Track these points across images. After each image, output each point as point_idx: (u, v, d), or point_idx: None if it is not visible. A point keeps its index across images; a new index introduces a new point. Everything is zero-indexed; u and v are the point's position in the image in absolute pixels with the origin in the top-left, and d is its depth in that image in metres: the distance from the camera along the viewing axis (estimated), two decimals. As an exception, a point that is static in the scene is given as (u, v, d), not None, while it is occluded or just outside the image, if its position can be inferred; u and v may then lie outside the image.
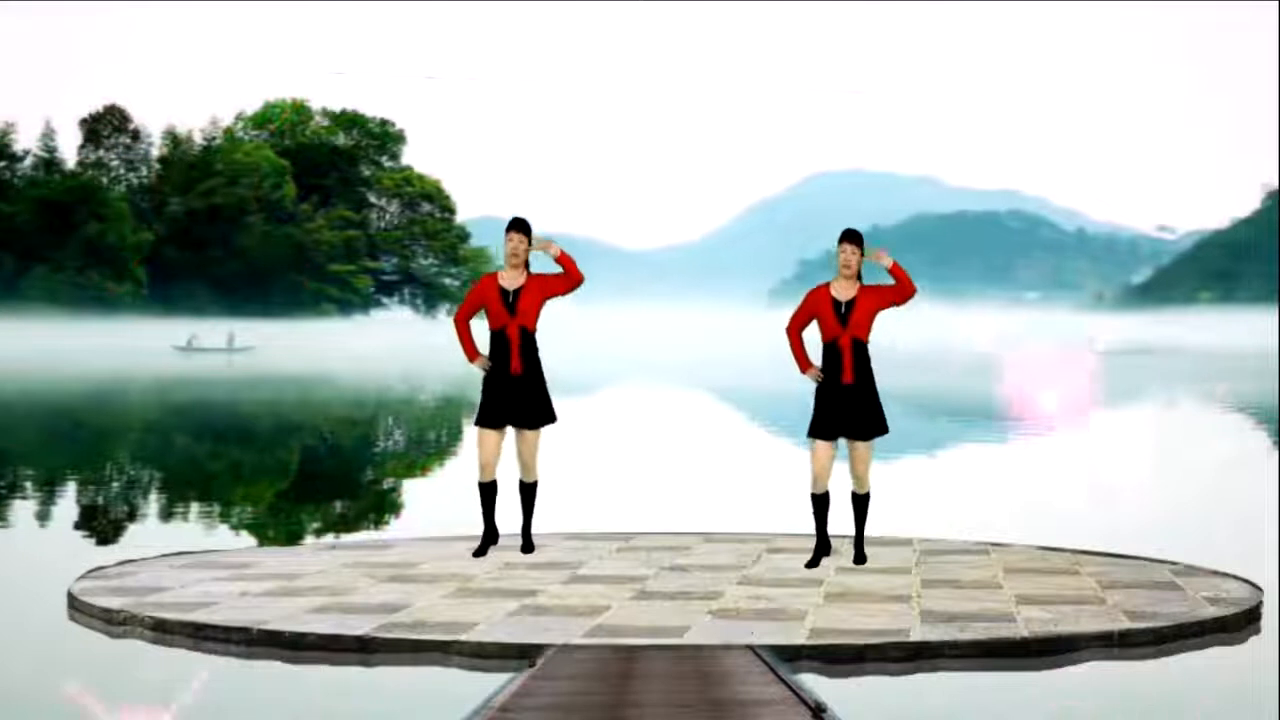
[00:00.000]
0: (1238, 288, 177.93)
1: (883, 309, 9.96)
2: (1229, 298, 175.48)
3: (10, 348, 77.26)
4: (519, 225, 10.33)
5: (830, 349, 9.95)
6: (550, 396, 10.37)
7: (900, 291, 9.97)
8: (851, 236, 10.03)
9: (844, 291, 9.94)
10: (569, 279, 10.27)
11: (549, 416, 10.31)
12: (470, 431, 10.62)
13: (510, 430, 10.35)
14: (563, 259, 10.22)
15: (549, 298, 10.25)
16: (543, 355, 10.50)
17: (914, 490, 17.17)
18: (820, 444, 9.96)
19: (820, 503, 10.11)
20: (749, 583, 9.58)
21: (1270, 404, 35.73)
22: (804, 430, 10.34)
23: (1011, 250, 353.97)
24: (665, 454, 22.38)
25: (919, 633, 7.91)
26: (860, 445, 10.01)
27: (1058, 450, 23.56)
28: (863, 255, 10.01)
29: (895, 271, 9.90)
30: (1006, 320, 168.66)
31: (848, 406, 9.91)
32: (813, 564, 10.05)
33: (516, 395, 10.17)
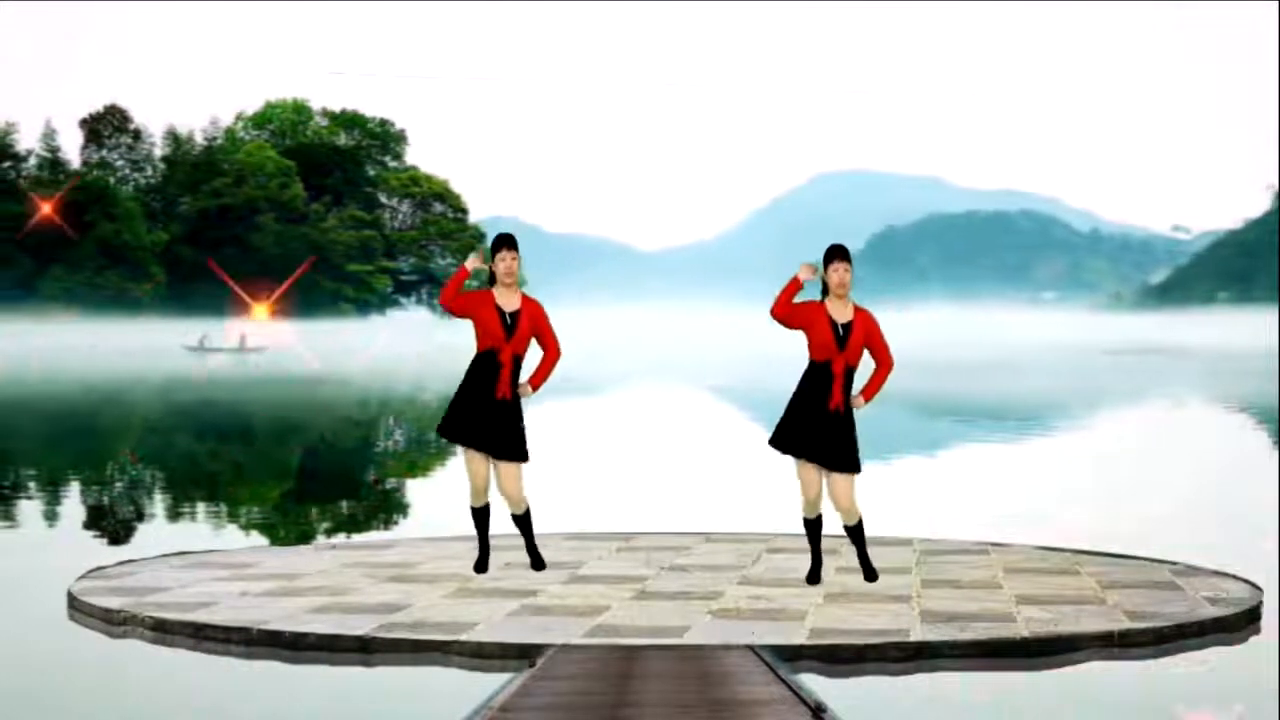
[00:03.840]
0: (1255, 287, 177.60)
1: (867, 347, 9.44)
2: (1246, 297, 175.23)
3: (26, 348, 77.37)
4: (511, 243, 9.71)
5: (821, 371, 9.36)
6: (525, 431, 9.66)
7: (882, 364, 9.53)
8: (844, 254, 9.46)
9: (841, 313, 9.38)
10: (551, 355, 9.79)
11: (522, 454, 9.59)
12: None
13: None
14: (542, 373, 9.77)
15: (535, 334, 9.66)
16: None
17: (914, 490, 17.18)
18: (806, 468, 9.42)
19: (813, 527, 9.65)
20: (749, 583, 9.58)
21: (1271, 404, 35.72)
22: None
23: (1026, 250, 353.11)
24: (666, 454, 22.39)
25: (919, 633, 7.91)
26: (838, 477, 9.42)
27: (1058, 450, 23.54)
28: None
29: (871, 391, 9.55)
30: (1025, 320, 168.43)
31: (827, 434, 9.33)
32: (813, 579, 9.64)
33: (494, 422, 9.50)
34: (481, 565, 10.00)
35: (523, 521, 9.93)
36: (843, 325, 9.38)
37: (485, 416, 9.54)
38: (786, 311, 9.42)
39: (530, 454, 9.70)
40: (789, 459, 9.59)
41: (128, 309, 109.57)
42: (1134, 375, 55.07)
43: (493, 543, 10.16)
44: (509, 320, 9.54)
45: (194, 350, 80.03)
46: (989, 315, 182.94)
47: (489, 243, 9.89)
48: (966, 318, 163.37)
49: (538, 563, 10.06)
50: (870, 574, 9.62)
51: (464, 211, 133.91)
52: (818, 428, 9.38)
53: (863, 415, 9.79)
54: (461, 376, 9.63)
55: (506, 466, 9.62)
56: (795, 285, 9.42)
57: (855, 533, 9.61)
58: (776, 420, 9.53)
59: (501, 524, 10.76)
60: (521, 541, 10.33)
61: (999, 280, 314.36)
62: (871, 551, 10.27)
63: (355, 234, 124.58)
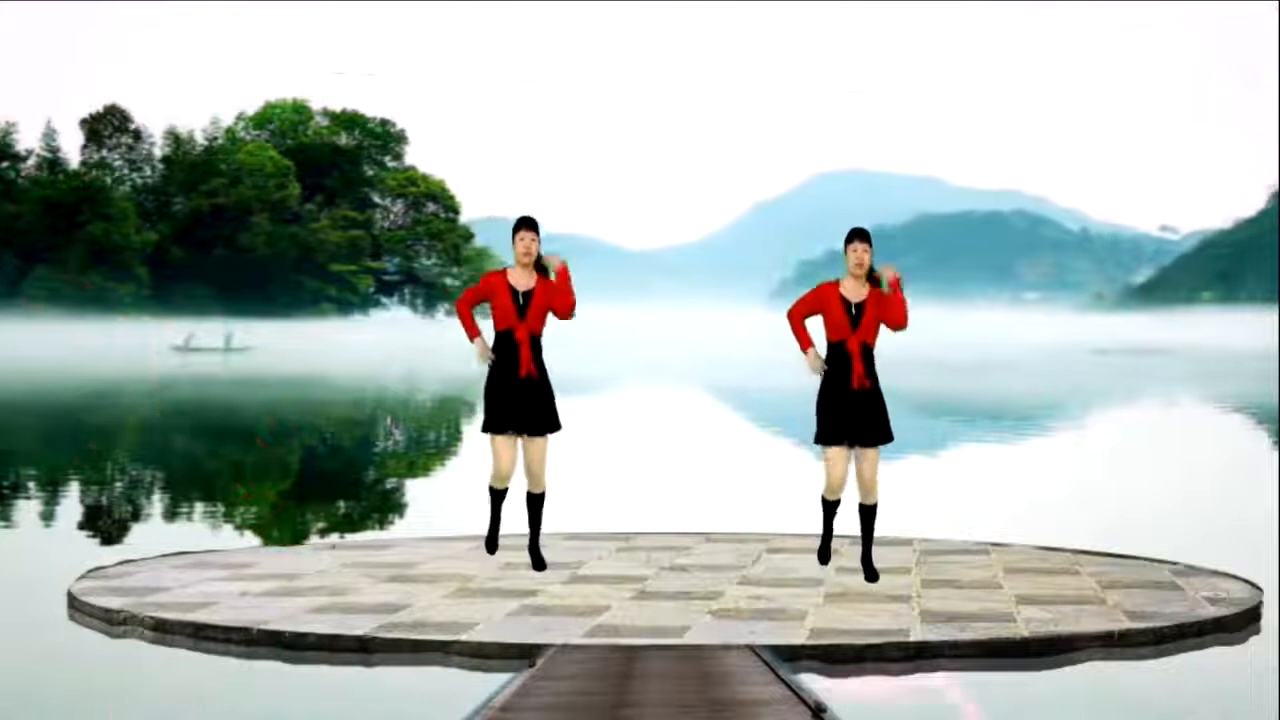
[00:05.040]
0: (1239, 288, 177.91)
1: (881, 315, 9.57)
2: (1230, 298, 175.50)
3: (11, 348, 77.31)
4: (531, 224, 9.90)
5: (838, 351, 9.56)
6: (556, 403, 9.93)
7: (893, 318, 9.61)
8: (862, 235, 9.67)
9: (855, 292, 9.56)
10: (565, 303, 9.84)
11: (555, 424, 9.85)
12: (470, 433, 10.18)
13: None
14: (563, 274, 9.81)
15: (551, 310, 9.82)
16: (546, 355, 10.32)
17: (914, 490, 17.17)
18: (833, 451, 9.57)
19: (831, 507, 9.80)
20: (749, 583, 9.58)
21: (1270, 404, 35.73)
22: (804, 430, 10.02)
23: (1015, 250, 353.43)
24: (665, 454, 22.38)
25: (919, 633, 7.91)
26: (868, 452, 9.58)
27: (1058, 450, 23.55)
28: (873, 254, 9.77)
29: (895, 289, 9.58)
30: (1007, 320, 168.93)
31: (855, 412, 9.50)
32: (824, 558, 9.81)
33: (523, 400, 9.72)
34: (492, 544, 10.08)
35: (537, 503, 10.02)
36: (856, 304, 9.53)
37: (514, 399, 9.72)
38: (800, 321, 9.71)
39: (562, 424, 9.89)
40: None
41: (110, 309, 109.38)
42: (1125, 375, 55.09)
43: (499, 545, 10.21)
44: (521, 300, 9.71)
45: (180, 350, 79.95)
46: (974, 315, 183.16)
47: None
48: (951, 317, 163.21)
49: (539, 563, 10.11)
50: (871, 574, 9.64)
51: (456, 211, 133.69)
52: (846, 410, 9.52)
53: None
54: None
55: (537, 443, 9.81)
56: (805, 340, 9.71)
57: (868, 515, 9.65)
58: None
59: (506, 525, 10.77)
60: (523, 542, 10.40)
61: (985, 281, 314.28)
62: (873, 552, 10.32)
63: (343, 234, 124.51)
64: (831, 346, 9.62)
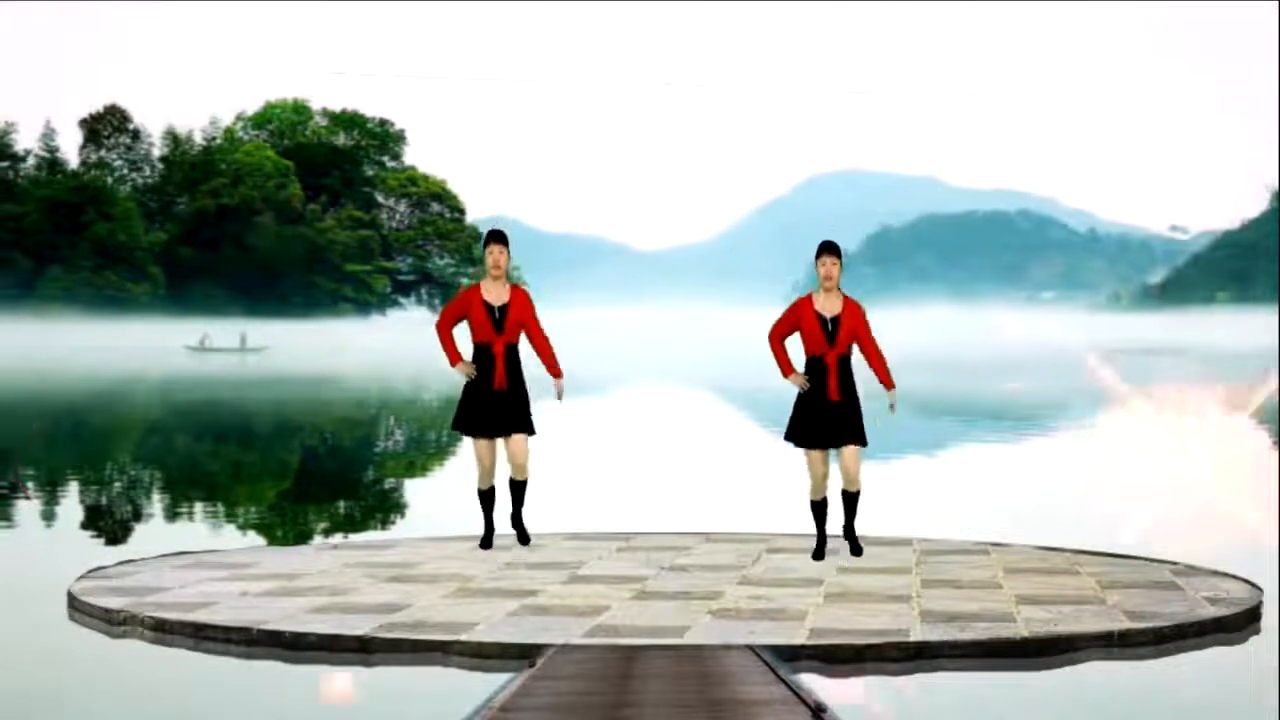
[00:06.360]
0: (1254, 288, 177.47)
1: (856, 342, 10.01)
2: (1246, 298, 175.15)
3: (27, 347, 77.37)
4: (500, 237, 10.43)
5: (815, 365, 9.92)
6: (531, 408, 10.48)
7: (874, 359, 10.08)
8: (831, 248, 10.02)
9: (828, 306, 9.90)
10: (544, 346, 10.48)
11: (527, 427, 10.42)
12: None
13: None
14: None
15: (522, 327, 10.35)
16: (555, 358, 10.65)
17: (914, 490, 17.18)
18: (813, 453, 10.04)
19: (819, 508, 10.28)
20: (749, 583, 9.58)
21: (1270, 404, 35.71)
22: None
23: (1023, 250, 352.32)
24: (666, 454, 22.38)
25: (919, 633, 7.91)
26: (847, 450, 10.05)
27: (1058, 450, 23.54)
28: (842, 266, 10.07)
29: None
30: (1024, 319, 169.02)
31: (831, 420, 9.93)
32: (818, 556, 10.23)
33: (498, 409, 10.29)
34: (487, 542, 10.72)
35: (519, 488, 10.66)
36: (831, 320, 9.91)
37: (489, 407, 10.30)
38: (780, 342, 10.15)
39: (536, 429, 10.52)
40: (789, 457, 9.95)
41: (125, 309, 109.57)
42: (1135, 375, 55.03)
43: (494, 543, 10.65)
44: (497, 315, 10.24)
45: (195, 350, 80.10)
46: (989, 315, 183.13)
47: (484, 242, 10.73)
48: (966, 317, 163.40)
49: (523, 536, 10.77)
50: (856, 548, 10.25)
51: (461, 211, 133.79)
52: (823, 418, 9.94)
53: (864, 414, 10.13)
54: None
55: (515, 440, 10.41)
56: (786, 366, 10.08)
57: (851, 500, 10.23)
58: (778, 419, 9.93)
59: (503, 526, 10.92)
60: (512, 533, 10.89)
61: (995, 280, 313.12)
62: (872, 551, 10.51)
63: (353, 234, 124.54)
64: (809, 360, 9.95)
